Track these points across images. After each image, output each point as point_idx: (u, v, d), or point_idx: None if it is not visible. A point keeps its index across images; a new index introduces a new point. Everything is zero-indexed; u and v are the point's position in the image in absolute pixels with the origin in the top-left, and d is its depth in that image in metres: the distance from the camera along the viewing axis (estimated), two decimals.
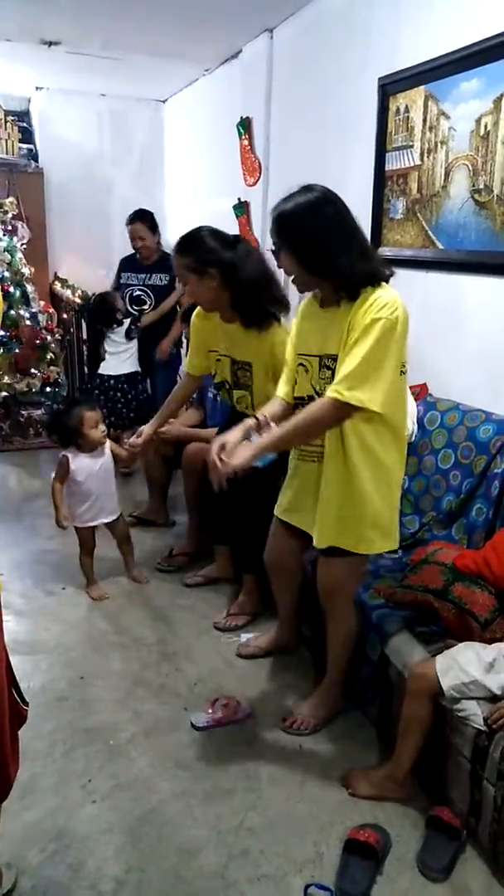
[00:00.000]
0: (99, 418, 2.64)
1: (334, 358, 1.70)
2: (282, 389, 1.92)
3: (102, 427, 2.65)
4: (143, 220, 3.90)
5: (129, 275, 4.01)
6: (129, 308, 4.00)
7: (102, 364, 3.97)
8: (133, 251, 4.04)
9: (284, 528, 2.02)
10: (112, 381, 3.88)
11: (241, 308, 2.22)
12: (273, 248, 1.82)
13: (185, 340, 3.75)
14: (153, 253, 3.95)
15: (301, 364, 1.84)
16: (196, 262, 2.16)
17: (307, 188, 1.68)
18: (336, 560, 1.83)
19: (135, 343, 3.91)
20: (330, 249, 1.64)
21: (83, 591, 2.73)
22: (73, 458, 2.60)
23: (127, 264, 4.06)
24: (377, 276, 1.68)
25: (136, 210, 3.98)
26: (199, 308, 2.40)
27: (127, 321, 3.88)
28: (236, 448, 1.69)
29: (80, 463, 2.61)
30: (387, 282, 1.71)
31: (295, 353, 1.86)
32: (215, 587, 2.78)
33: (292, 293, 2.22)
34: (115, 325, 3.84)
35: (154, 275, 3.93)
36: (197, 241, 2.19)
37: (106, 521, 2.71)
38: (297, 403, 1.85)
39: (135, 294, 3.96)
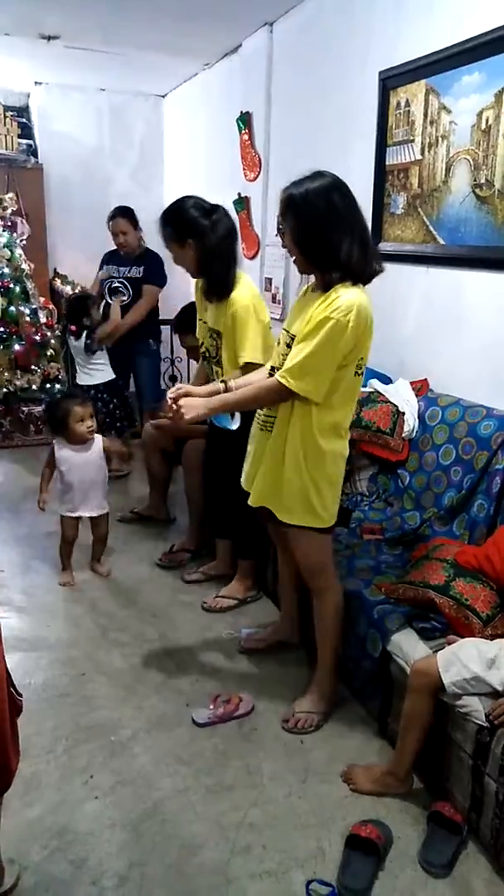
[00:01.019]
0: (86, 414, 2.67)
1: (294, 338, 1.77)
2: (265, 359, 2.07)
3: (90, 423, 2.68)
4: (125, 215, 3.91)
5: (112, 267, 4.01)
6: (109, 300, 4.00)
7: (77, 375, 3.93)
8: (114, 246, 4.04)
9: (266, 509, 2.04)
10: (92, 392, 3.75)
11: (205, 276, 2.31)
12: (279, 229, 1.85)
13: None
14: (135, 248, 3.95)
15: (279, 338, 1.92)
16: (175, 232, 2.26)
17: (319, 174, 1.73)
18: (295, 532, 1.89)
19: (102, 354, 3.84)
20: (330, 237, 1.69)
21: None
22: (59, 448, 2.68)
23: (109, 258, 4.06)
24: (367, 272, 1.73)
25: (117, 207, 3.98)
26: (197, 280, 2.45)
27: (83, 336, 3.75)
28: (193, 402, 1.84)
29: (65, 454, 2.68)
30: (371, 279, 1.75)
31: (283, 326, 1.94)
32: (217, 583, 2.77)
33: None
34: (75, 330, 3.75)
35: (133, 268, 3.94)
36: (177, 212, 2.29)
37: (87, 514, 2.76)
38: (271, 371, 1.91)
39: (113, 286, 3.98)
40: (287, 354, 1.78)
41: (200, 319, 2.49)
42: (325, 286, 1.73)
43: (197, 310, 2.52)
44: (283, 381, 1.72)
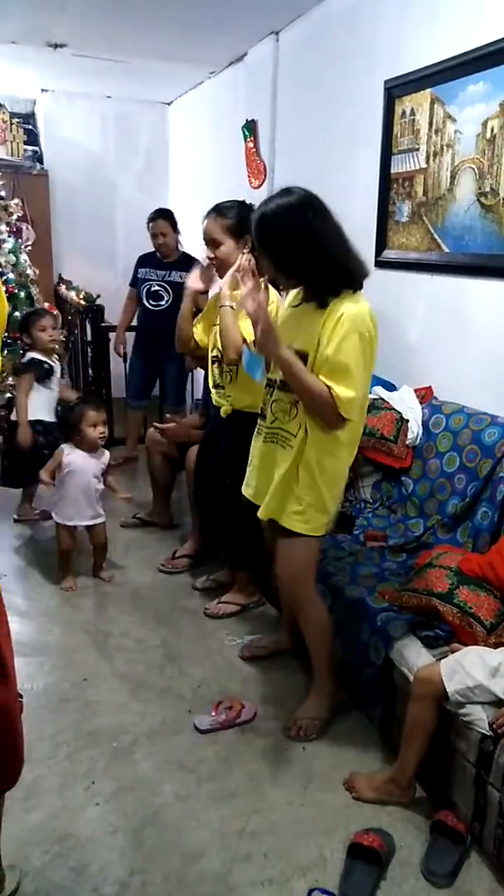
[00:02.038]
0: (100, 420, 2.69)
1: (301, 355, 1.73)
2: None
3: (102, 430, 2.69)
4: (166, 217, 3.93)
5: (148, 270, 4.02)
6: (147, 303, 4.01)
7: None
8: (152, 249, 4.05)
9: (253, 507, 2.03)
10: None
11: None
12: (252, 251, 1.86)
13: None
14: (173, 251, 3.97)
15: None
16: (237, 224, 2.25)
17: (286, 191, 1.71)
18: (286, 543, 1.88)
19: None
20: (306, 253, 1.68)
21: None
22: (68, 451, 2.69)
23: (145, 261, 4.07)
24: (356, 279, 1.72)
25: (159, 208, 4.02)
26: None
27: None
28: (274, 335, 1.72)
29: (73, 457, 2.69)
30: (360, 288, 1.74)
31: None
32: (220, 591, 2.77)
33: None
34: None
35: (174, 272, 3.95)
36: (234, 208, 2.29)
37: (81, 524, 2.75)
38: (268, 384, 1.89)
39: (153, 289, 3.98)
40: None
41: (214, 325, 2.43)
42: (319, 301, 1.72)
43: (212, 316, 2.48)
44: (342, 412, 1.68)
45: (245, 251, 2.23)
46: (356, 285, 1.73)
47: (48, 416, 3.18)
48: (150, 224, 3.93)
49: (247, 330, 2.15)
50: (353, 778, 1.80)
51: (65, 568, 2.79)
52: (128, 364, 4.32)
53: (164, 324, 3.97)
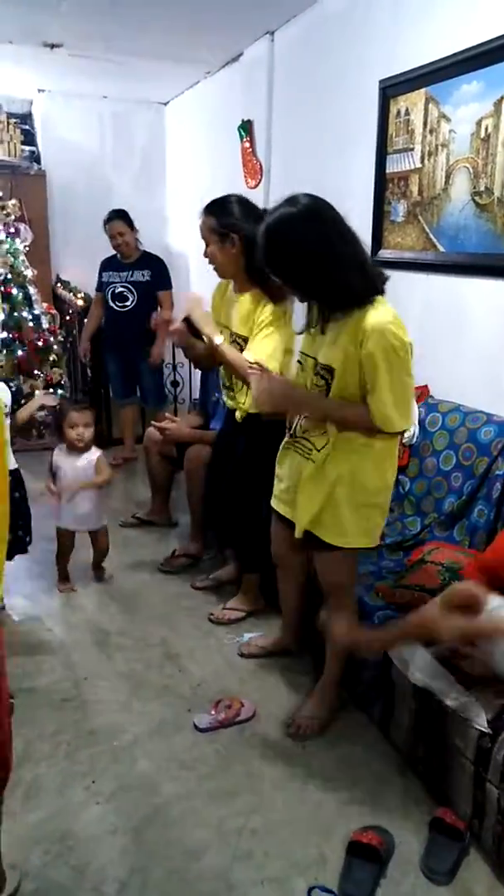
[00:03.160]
0: (83, 422, 2.62)
1: (328, 369, 1.71)
2: (272, 365, 2.04)
3: (80, 431, 2.60)
4: (121, 217, 3.96)
5: (111, 273, 4.05)
6: (113, 305, 4.01)
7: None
8: (113, 251, 4.06)
9: (280, 519, 2.02)
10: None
11: (259, 282, 2.19)
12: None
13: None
14: (133, 250, 3.99)
15: (299, 361, 1.87)
16: (220, 224, 2.18)
17: (290, 200, 1.62)
18: (325, 555, 1.85)
19: None
20: (316, 269, 1.60)
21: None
22: (57, 452, 2.69)
23: (107, 264, 4.10)
24: (372, 292, 1.65)
25: (112, 210, 4.03)
26: (218, 283, 2.41)
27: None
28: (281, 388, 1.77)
29: (59, 459, 2.68)
30: (382, 294, 1.68)
31: (300, 348, 1.89)
32: (219, 590, 2.78)
33: None
34: None
35: (136, 272, 3.97)
36: (224, 206, 2.21)
37: (75, 528, 2.71)
38: None
39: (117, 291, 4.00)
40: (323, 387, 1.72)
41: (219, 323, 2.38)
42: (334, 314, 1.67)
43: (215, 314, 2.43)
44: (386, 429, 1.66)
45: (233, 251, 2.18)
46: (377, 293, 1.65)
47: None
48: (107, 226, 3.96)
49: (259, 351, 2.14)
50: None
51: (60, 570, 2.78)
52: (106, 365, 4.36)
53: (132, 324, 4.03)
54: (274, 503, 2.01)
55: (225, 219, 2.17)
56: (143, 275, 3.97)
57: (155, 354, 4.05)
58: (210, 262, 2.28)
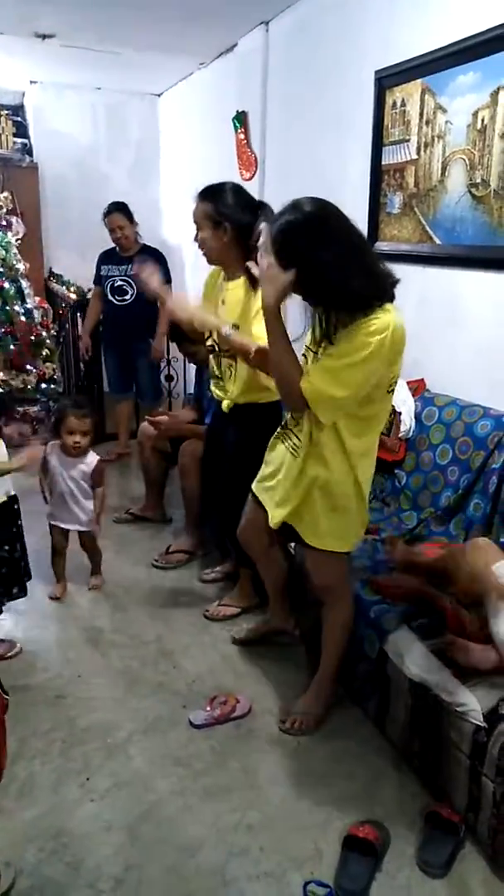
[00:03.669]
0: (82, 430, 2.52)
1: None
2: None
3: (77, 439, 2.51)
4: (121, 210, 3.93)
5: (110, 267, 4.02)
6: (112, 299, 3.98)
7: None
8: (112, 244, 4.03)
9: (255, 503, 2.01)
10: None
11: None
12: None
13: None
14: (132, 244, 3.96)
15: (304, 354, 1.83)
16: (214, 211, 2.15)
17: (293, 206, 1.57)
18: (313, 554, 1.85)
19: None
20: (318, 277, 1.57)
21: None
22: (50, 450, 2.56)
23: (106, 257, 4.07)
24: (381, 297, 1.59)
25: (112, 202, 3.99)
26: (211, 270, 2.39)
27: None
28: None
29: (53, 459, 2.56)
30: (392, 299, 1.62)
31: (305, 342, 1.85)
32: (214, 585, 2.77)
33: None
34: None
35: (136, 265, 3.94)
36: (220, 193, 2.18)
37: (67, 527, 2.64)
38: None
39: (116, 284, 3.98)
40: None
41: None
42: (350, 319, 1.61)
43: (206, 301, 2.40)
44: (312, 399, 1.60)
45: (225, 239, 2.16)
46: (386, 298, 1.60)
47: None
48: (106, 219, 3.93)
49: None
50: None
51: (58, 572, 2.69)
52: (103, 359, 4.34)
53: (130, 317, 4.00)
54: (255, 487, 1.99)
55: (219, 206, 2.15)
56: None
57: (156, 350, 4.02)
58: (200, 248, 2.27)
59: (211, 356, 2.39)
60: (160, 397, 4.33)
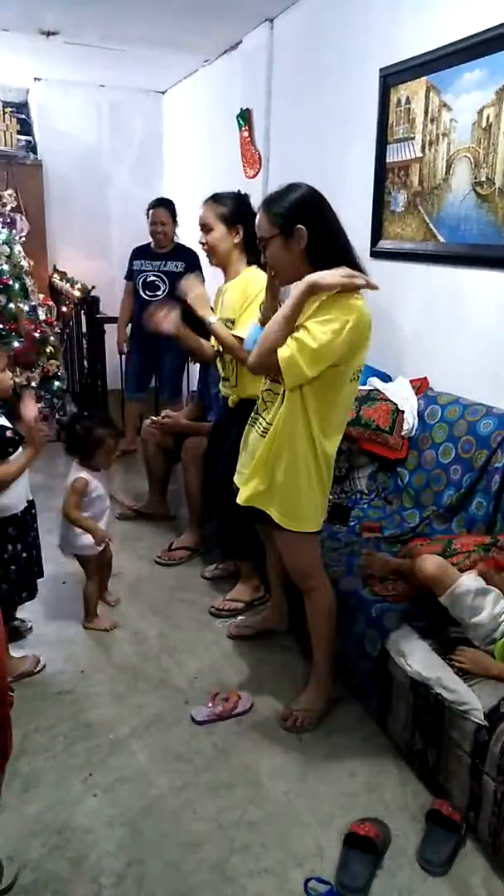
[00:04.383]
0: (116, 448, 2.48)
1: None
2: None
3: (117, 454, 2.50)
4: (167, 206, 3.94)
5: (143, 262, 4.03)
6: (143, 294, 3.99)
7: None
8: (148, 240, 4.03)
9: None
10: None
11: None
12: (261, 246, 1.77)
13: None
14: (169, 241, 3.97)
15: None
16: (231, 213, 2.27)
17: (296, 185, 1.71)
18: (283, 536, 1.86)
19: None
20: (330, 238, 1.69)
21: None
22: (85, 475, 2.34)
23: (140, 253, 4.07)
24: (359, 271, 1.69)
25: (160, 197, 4.02)
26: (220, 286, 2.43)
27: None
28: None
29: (93, 481, 2.36)
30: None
31: None
32: (218, 582, 2.78)
33: None
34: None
35: (169, 262, 3.96)
36: (237, 198, 2.31)
37: (95, 549, 2.44)
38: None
39: (149, 280, 3.99)
40: None
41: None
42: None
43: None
44: (284, 359, 1.62)
45: (236, 240, 2.25)
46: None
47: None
48: (151, 211, 3.93)
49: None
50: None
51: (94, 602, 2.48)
52: (123, 356, 4.30)
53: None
54: (236, 479, 2.00)
55: (237, 208, 2.27)
56: (176, 266, 3.96)
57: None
58: (207, 249, 2.33)
59: (216, 359, 2.43)
60: (179, 394, 4.31)
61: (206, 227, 2.30)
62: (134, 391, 4.26)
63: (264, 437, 1.81)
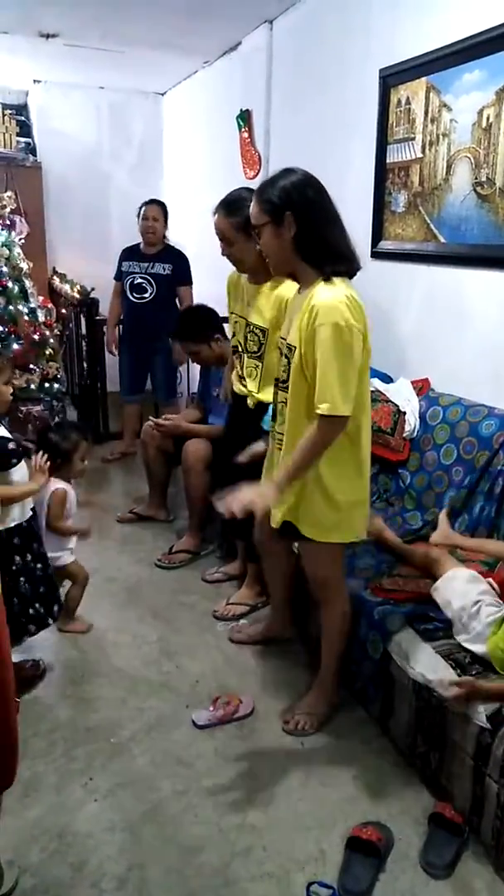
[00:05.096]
0: (88, 453, 2.47)
1: (290, 348, 1.70)
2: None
3: (87, 462, 2.46)
4: (159, 204, 3.96)
5: (132, 263, 4.02)
6: (131, 296, 3.98)
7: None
8: (138, 241, 4.04)
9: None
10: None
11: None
12: (255, 232, 1.75)
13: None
14: (159, 241, 3.97)
15: (278, 346, 1.85)
16: (247, 222, 2.10)
17: (289, 170, 1.68)
18: (311, 546, 1.84)
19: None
20: (323, 230, 1.65)
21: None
22: (65, 486, 2.33)
23: (129, 253, 4.07)
24: (354, 265, 1.69)
25: (154, 198, 4.03)
26: (230, 274, 2.39)
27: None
28: (261, 491, 1.68)
29: (70, 491, 2.35)
30: (354, 274, 1.69)
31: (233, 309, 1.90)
32: (217, 585, 2.77)
33: None
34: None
35: (157, 264, 3.96)
36: (248, 201, 2.19)
37: (72, 558, 2.41)
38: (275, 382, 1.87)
39: (136, 282, 3.98)
40: (286, 367, 1.73)
41: (232, 312, 2.39)
42: (309, 282, 1.67)
43: (231, 303, 2.42)
44: (333, 414, 1.59)
45: (257, 246, 2.17)
46: (348, 273, 1.67)
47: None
48: (144, 208, 3.94)
49: None
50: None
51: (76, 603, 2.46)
52: (118, 358, 4.30)
53: (149, 316, 3.99)
54: None
55: (247, 216, 2.17)
56: (164, 268, 3.95)
57: (180, 354, 3.94)
58: (233, 261, 2.26)
59: (234, 356, 2.40)
60: (175, 396, 4.31)
61: (226, 240, 2.21)
62: (129, 393, 4.26)
63: (282, 449, 1.78)
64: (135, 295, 3.99)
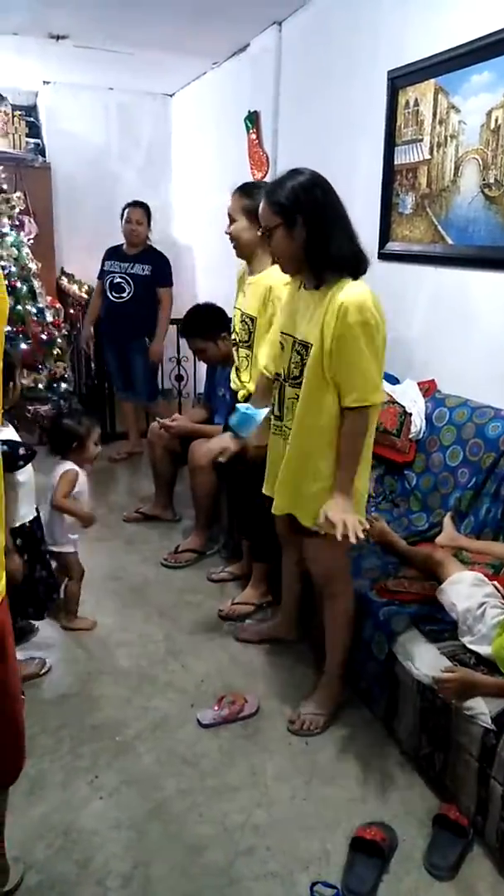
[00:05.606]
0: (99, 437, 2.50)
1: (305, 345, 1.72)
2: (262, 361, 2.01)
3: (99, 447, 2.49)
4: (143, 207, 3.98)
5: (112, 262, 4.05)
6: (110, 295, 4.01)
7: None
8: (121, 241, 4.06)
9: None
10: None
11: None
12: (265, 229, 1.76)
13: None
14: (141, 242, 3.99)
15: (281, 342, 1.86)
16: (256, 206, 2.15)
17: (296, 171, 1.70)
18: (314, 540, 1.84)
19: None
20: (331, 231, 1.67)
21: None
22: (75, 468, 2.36)
23: (111, 253, 4.10)
24: (363, 265, 1.70)
25: (136, 200, 4.05)
26: (240, 265, 2.42)
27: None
28: (341, 506, 1.69)
29: (81, 476, 2.38)
30: (363, 273, 1.71)
31: (279, 329, 1.89)
32: (222, 585, 2.77)
33: None
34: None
35: (137, 265, 3.98)
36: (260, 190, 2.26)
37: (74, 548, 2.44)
38: (275, 378, 1.89)
39: (115, 281, 4.00)
40: (298, 363, 1.74)
41: (236, 307, 2.42)
42: (318, 284, 1.70)
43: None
44: (364, 404, 1.65)
45: (259, 233, 2.18)
46: (358, 272, 1.69)
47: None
48: (127, 210, 3.96)
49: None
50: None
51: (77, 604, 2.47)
52: (103, 357, 4.33)
53: (126, 315, 4.01)
54: (265, 490, 2.00)
55: (258, 202, 2.22)
56: (143, 269, 3.97)
57: (154, 351, 4.02)
58: (231, 239, 2.31)
59: (233, 348, 2.42)
60: (156, 397, 4.31)
61: (230, 217, 2.28)
62: (121, 390, 4.29)
63: (286, 440, 1.80)
64: (113, 294, 4.01)
